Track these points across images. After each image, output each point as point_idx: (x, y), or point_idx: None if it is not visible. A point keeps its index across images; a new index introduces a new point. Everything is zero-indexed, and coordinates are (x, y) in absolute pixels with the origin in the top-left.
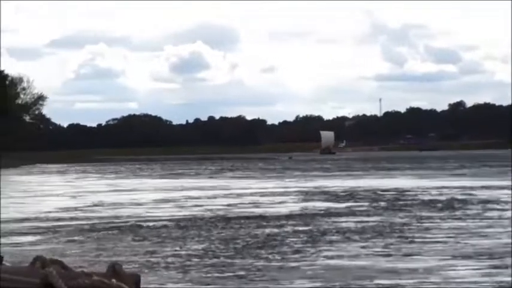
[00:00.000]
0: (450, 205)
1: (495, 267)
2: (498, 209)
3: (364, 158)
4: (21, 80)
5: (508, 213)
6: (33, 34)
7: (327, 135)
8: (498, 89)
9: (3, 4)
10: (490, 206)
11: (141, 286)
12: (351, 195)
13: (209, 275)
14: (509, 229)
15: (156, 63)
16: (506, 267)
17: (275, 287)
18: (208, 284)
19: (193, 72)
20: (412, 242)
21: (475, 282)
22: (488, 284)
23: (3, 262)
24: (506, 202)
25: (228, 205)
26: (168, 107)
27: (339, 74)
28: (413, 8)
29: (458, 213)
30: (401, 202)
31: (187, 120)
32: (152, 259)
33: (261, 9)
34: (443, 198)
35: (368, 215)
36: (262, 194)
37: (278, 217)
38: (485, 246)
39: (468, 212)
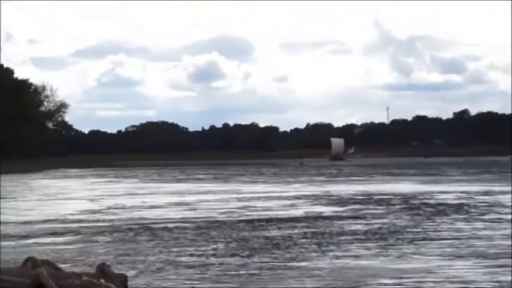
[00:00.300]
0: (451, 209)
1: (493, 266)
2: (496, 212)
3: (372, 164)
4: (44, 88)
5: (506, 217)
6: (56, 45)
7: (337, 142)
8: (501, 98)
9: (27, 15)
10: (489, 209)
11: (136, 286)
12: (357, 199)
13: (226, 273)
14: (507, 232)
15: (173, 73)
16: (504, 267)
17: (286, 286)
18: (226, 282)
19: (209, 81)
20: (413, 243)
21: (473, 281)
22: (486, 284)
23: None
24: (504, 206)
25: (241, 208)
26: (184, 115)
27: (348, 83)
28: (420, 20)
29: (458, 216)
30: (404, 206)
31: (203, 127)
32: (171, 258)
33: (274, 21)
34: (444, 202)
35: (373, 218)
36: (273, 198)
37: (288, 219)
38: (483, 248)
39: (468, 215)
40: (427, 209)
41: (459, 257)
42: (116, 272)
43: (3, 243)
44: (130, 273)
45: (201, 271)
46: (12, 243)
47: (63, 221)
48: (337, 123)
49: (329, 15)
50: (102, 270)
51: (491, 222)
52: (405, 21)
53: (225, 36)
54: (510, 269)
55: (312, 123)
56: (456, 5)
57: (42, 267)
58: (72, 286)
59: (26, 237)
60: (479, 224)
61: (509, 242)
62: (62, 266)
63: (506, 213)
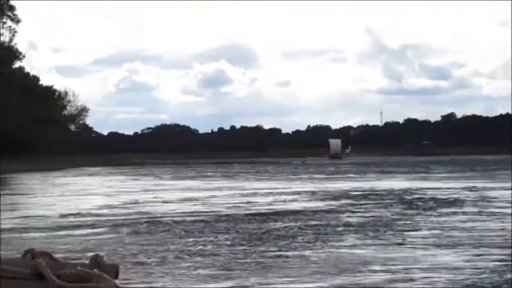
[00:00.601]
0: (437, 203)
1: (474, 255)
2: (478, 206)
3: (367, 162)
4: (67, 94)
5: (486, 210)
6: (77, 54)
7: (335, 143)
8: (484, 102)
9: (49, 24)
10: (471, 203)
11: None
12: (352, 195)
13: (234, 261)
14: (487, 224)
15: (185, 79)
16: (484, 255)
17: (289, 272)
18: (233, 270)
19: (217, 87)
20: (401, 234)
21: (456, 268)
22: (468, 269)
23: None
24: (485, 200)
25: (246, 202)
26: (195, 118)
27: (345, 88)
28: (410, 30)
29: (443, 209)
30: (394, 201)
31: (212, 129)
32: (185, 247)
33: (277, 32)
34: (431, 197)
35: (365, 212)
36: (275, 193)
37: (289, 213)
38: (465, 238)
39: (452, 209)
40: (415, 203)
41: (443, 246)
42: (109, 263)
43: (26, 234)
44: (148, 261)
45: (212, 259)
46: (35, 235)
47: (83, 215)
48: (335, 125)
49: (327, 26)
50: (96, 261)
51: (473, 215)
52: (396, 31)
53: (232, 45)
54: (489, 257)
55: (312, 125)
56: (443, 16)
57: (41, 258)
58: (68, 275)
59: (45, 229)
60: (462, 217)
61: (489, 233)
62: (59, 256)
63: (486, 207)
